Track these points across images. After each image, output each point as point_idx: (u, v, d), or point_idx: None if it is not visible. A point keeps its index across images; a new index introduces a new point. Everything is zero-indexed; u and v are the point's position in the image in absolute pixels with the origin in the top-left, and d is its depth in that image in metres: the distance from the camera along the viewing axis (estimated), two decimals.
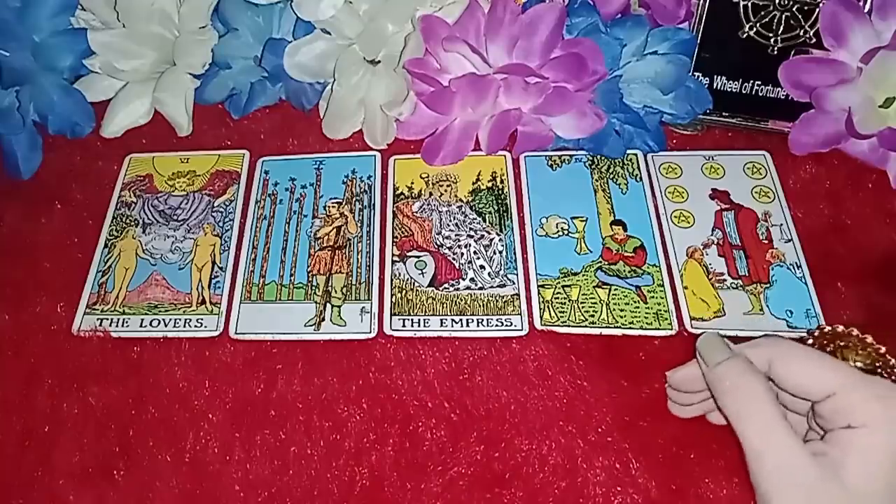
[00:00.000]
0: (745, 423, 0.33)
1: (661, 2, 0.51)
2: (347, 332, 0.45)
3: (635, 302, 0.46)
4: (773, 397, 0.33)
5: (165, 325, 0.46)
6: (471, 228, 0.50)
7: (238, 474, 0.40)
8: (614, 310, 0.45)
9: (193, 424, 0.42)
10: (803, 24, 0.49)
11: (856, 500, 0.30)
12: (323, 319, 0.46)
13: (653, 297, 0.46)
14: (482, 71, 0.50)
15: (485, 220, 0.50)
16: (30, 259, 0.50)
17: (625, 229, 0.49)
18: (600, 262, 0.48)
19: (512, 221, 0.50)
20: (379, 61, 0.53)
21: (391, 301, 0.47)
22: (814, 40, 0.50)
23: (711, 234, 0.49)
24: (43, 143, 0.55)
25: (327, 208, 0.52)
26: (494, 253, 0.49)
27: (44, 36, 0.53)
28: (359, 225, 0.51)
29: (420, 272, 0.48)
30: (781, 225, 0.49)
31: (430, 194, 0.52)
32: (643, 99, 0.51)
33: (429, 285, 0.47)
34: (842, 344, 0.38)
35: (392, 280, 0.48)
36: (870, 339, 0.38)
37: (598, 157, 0.53)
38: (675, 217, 0.50)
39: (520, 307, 0.46)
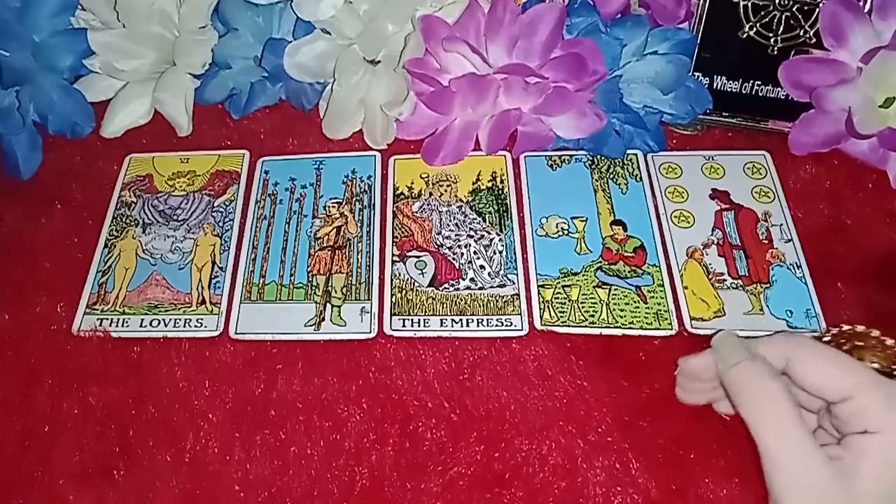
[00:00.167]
0: (761, 425, 0.33)
1: (661, 2, 0.51)
2: (347, 332, 0.45)
3: (635, 302, 0.46)
4: (792, 399, 0.33)
5: (165, 325, 0.46)
6: (471, 228, 0.50)
7: (238, 474, 0.40)
8: (614, 310, 0.45)
9: (193, 424, 0.42)
10: (803, 24, 0.49)
11: None
12: (323, 319, 0.46)
13: (653, 297, 0.46)
14: (482, 71, 0.50)
15: (485, 220, 0.50)
16: (30, 259, 0.50)
17: (625, 229, 0.49)
18: (600, 262, 0.48)
19: (512, 221, 0.50)
20: (379, 61, 0.53)
21: (391, 301, 0.47)
22: (814, 40, 0.50)
23: (711, 234, 0.49)
24: (43, 143, 0.55)
25: (327, 208, 0.52)
26: (494, 253, 0.49)
27: (44, 36, 0.53)
28: (359, 225, 0.51)
29: (420, 272, 0.48)
30: (781, 225, 0.49)
31: (430, 194, 0.52)
32: (643, 99, 0.51)
33: (429, 285, 0.47)
34: (859, 344, 0.38)
35: (392, 280, 0.48)
36: (890, 342, 0.37)
37: (598, 157, 0.53)
38: (675, 217, 0.50)
39: (520, 307, 0.46)
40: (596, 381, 0.42)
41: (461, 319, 0.46)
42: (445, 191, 0.52)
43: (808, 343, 0.35)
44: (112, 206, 0.53)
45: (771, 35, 0.50)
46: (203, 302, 0.47)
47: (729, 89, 0.53)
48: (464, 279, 0.48)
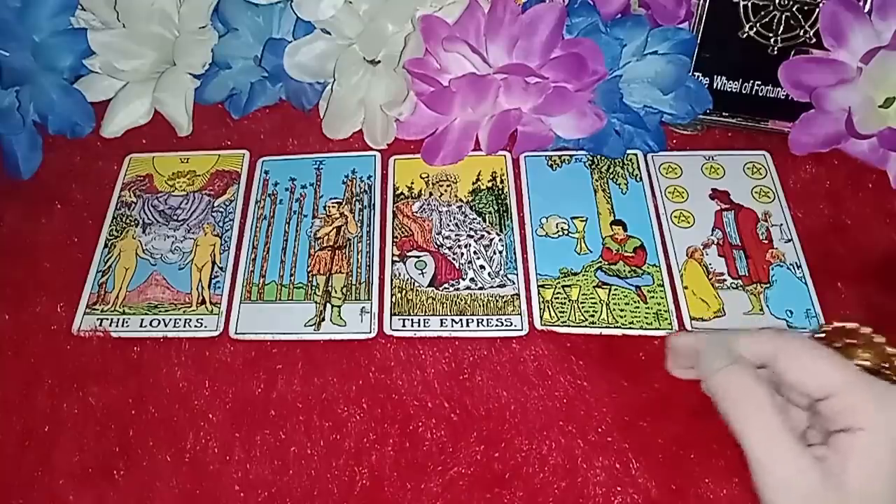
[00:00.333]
0: (746, 433, 0.33)
1: (661, 2, 0.51)
2: (347, 332, 0.45)
3: (635, 302, 0.46)
4: (776, 404, 0.33)
5: (165, 325, 0.46)
6: (471, 228, 0.50)
7: (238, 474, 0.40)
8: (614, 310, 0.45)
9: (193, 424, 0.42)
10: (803, 24, 0.49)
11: (859, 503, 0.30)
12: (323, 319, 0.46)
13: (653, 297, 0.46)
14: (482, 71, 0.50)
15: (485, 220, 0.50)
16: (30, 259, 0.50)
17: (625, 229, 0.49)
18: (600, 262, 0.48)
19: (512, 221, 0.50)
20: (379, 61, 0.53)
21: (391, 301, 0.47)
22: (814, 40, 0.50)
23: (711, 234, 0.49)
24: (43, 143, 0.55)
25: (327, 208, 0.52)
26: (494, 253, 0.49)
27: (44, 36, 0.53)
28: (359, 225, 0.51)
29: (420, 272, 0.48)
30: (781, 225, 0.49)
31: (430, 194, 0.52)
32: (643, 99, 0.51)
33: (429, 285, 0.47)
34: (851, 341, 0.38)
35: (392, 280, 0.48)
36: (880, 339, 0.37)
37: (598, 157, 0.53)
38: (675, 217, 0.50)
39: (520, 307, 0.46)
40: (596, 381, 0.42)
41: (461, 319, 0.46)
42: (445, 191, 0.52)
43: (795, 340, 0.35)
44: (112, 206, 0.53)
45: (771, 35, 0.50)
46: (203, 302, 0.47)
47: (729, 89, 0.53)
48: (464, 279, 0.48)
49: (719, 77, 0.52)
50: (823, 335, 0.39)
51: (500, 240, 0.49)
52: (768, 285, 0.46)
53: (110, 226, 0.52)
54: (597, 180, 0.52)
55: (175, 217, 0.52)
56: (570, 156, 0.53)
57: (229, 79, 0.55)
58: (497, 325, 0.45)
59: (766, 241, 0.48)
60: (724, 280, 0.46)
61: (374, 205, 0.52)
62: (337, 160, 0.54)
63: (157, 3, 0.53)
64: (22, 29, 0.52)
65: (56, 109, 0.54)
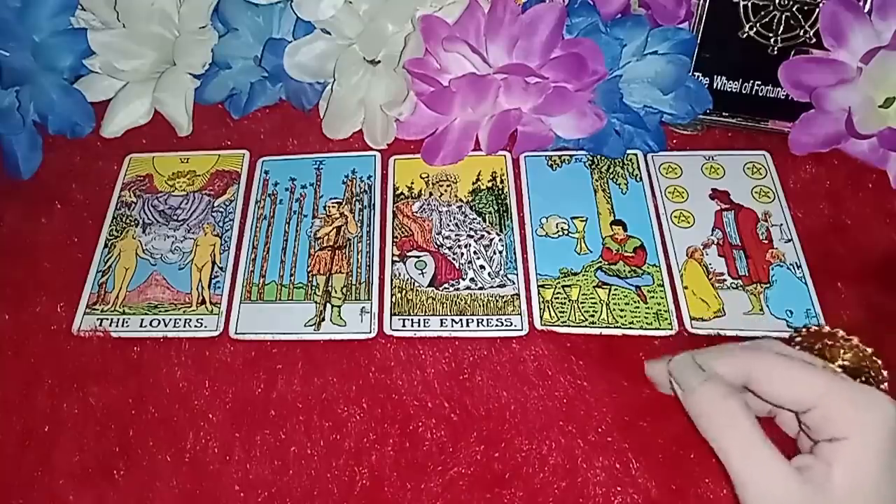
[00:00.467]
0: (726, 450, 0.33)
1: (661, 2, 0.51)
2: (347, 332, 0.45)
3: (635, 302, 0.46)
4: (751, 416, 0.33)
5: (165, 325, 0.46)
6: (471, 228, 0.50)
7: (238, 474, 0.40)
8: (614, 310, 0.45)
9: (193, 424, 0.42)
10: (803, 24, 0.49)
11: None
12: (323, 319, 0.46)
13: (653, 297, 0.46)
14: (482, 71, 0.50)
15: (485, 220, 0.50)
16: (30, 259, 0.50)
17: (625, 229, 0.49)
18: (600, 262, 0.48)
19: (512, 221, 0.50)
20: (379, 61, 0.53)
21: (391, 301, 0.47)
22: (814, 40, 0.50)
23: (711, 234, 0.49)
24: (43, 143, 0.55)
25: (327, 208, 0.52)
26: (494, 253, 0.49)
27: (44, 36, 0.53)
28: (359, 225, 0.51)
29: (420, 272, 0.48)
30: (781, 225, 0.49)
31: (430, 194, 0.52)
32: (643, 99, 0.51)
33: (429, 285, 0.47)
34: (829, 343, 0.38)
35: (392, 280, 0.48)
36: (855, 341, 0.37)
37: (598, 157, 0.53)
38: (675, 217, 0.50)
39: (520, 307, 0.46)
40: (596, 381, 0.42)
41: (461, 319, 0.46)
42: (445, 191, 0.52)
43: (765, 355, 0.34)
44: (112, 206, 0.53)
45: (771, 35, 0.50)
46: (203, 302, 0.47)
47: (729, 89, 0.53)
48: (464, 279, 0.48)
49: (719, 77, 0.52)
50: (801, 339, 0.39)
51: (500, 240, 0.49)
52: (768, 285, 0.46)
53: (110, 226, 0.52)
54: (597, 180, 0.52)
55: (175, 217, 0.52)
56: (570, 156, 0.53)
57: (229, 79, 0.55)
58: (497, 325, 0.45)
59: (766, 241, 0.48)
60: (724, 280, 0.46)
61: (374, 205, 0.52)
62: (337, 160, 0.54)
63: (157, 3, 0.53)
64: (22, 29, 0.52)
65: (56, 109, 0.54)
